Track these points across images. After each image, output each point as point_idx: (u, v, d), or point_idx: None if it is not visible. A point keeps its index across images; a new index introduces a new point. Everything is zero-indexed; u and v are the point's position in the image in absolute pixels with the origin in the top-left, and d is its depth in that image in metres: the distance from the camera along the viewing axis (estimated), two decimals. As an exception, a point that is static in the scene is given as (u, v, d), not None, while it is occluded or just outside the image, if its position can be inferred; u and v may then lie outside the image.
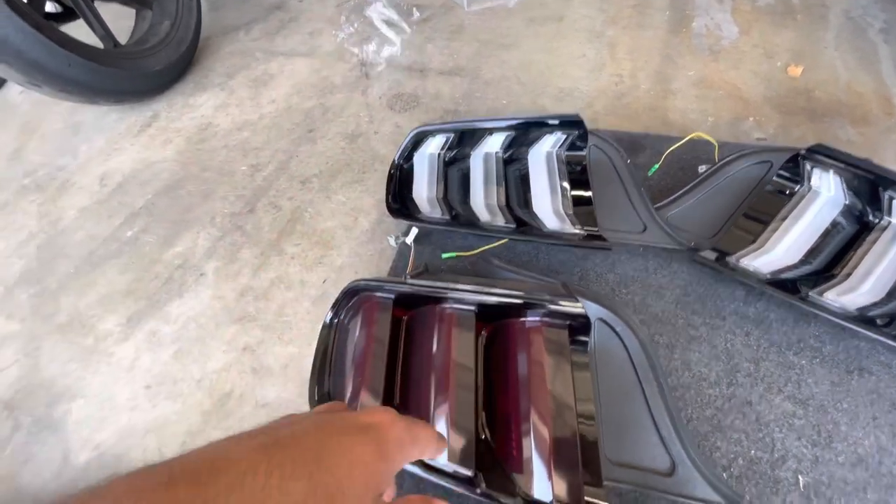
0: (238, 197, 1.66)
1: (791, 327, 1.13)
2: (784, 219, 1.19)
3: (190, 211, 1.65)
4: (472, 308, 0.98)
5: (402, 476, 0.97)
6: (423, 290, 1.01)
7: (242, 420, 1.13)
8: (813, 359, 1.08)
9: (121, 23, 2.17)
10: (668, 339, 1.14)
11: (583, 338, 0.92)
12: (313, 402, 0.97)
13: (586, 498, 0.78)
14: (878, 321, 1.03)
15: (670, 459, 0.89)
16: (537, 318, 0.94)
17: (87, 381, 1.25)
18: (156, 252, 1.53)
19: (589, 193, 1.26)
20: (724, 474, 0.94)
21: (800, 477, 0.93)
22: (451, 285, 0.99)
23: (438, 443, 0.49)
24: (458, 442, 0.87)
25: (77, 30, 1.91)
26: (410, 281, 1.02)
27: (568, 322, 0.91)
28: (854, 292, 1.07)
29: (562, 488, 0.79)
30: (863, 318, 1.03)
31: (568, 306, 0.90)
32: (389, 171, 1.45)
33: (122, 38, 2.10)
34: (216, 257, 1.49)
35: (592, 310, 0.98)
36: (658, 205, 1.31)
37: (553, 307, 0.91)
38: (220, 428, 1.12)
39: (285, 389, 1.17)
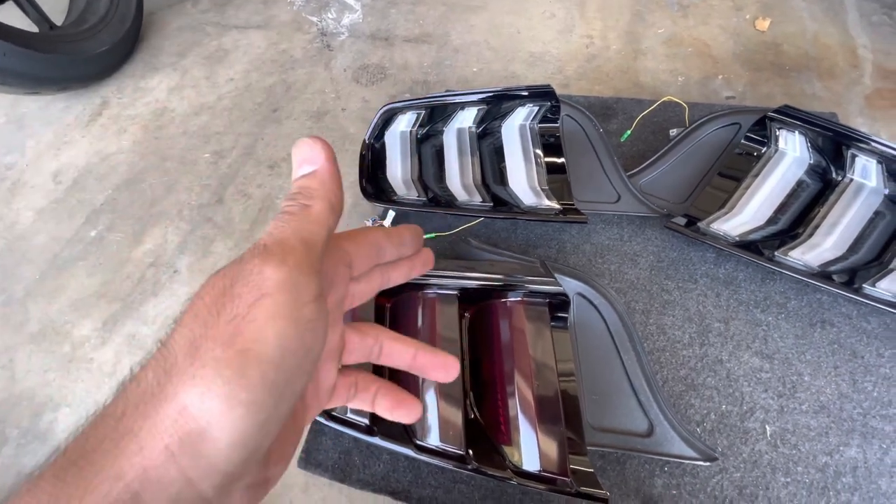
0: (204, 187, 1.60)
1: (758, 286, 1.18)
2: (752, 181, 1.22)
3: (154, 205, 1.58)
4: (454, 292, 0.98)
5: (396, 457, 1.01)
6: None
7: (234, 415, 1.14)
8: (778, 315, 1.14)
9: (54, 2, 1.99)
10: (643, 304, 1.18)
11: (562, 314, 0.94)
12: (303, 396, 0.98)
13: (571, 466, 0.82)
14: (840, 276, 1.08)
15: (648, 421, 0.94)
16: (518, 298, 0.95)
17: (69, 390, 1.23)
18: (124, 251, 1.48)
19: (564, 165, 1.26)
20: (698, 429, 1.01)
21: (767, 426, 1.00)
22: (432, 271, 0.99)
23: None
24: (448, 423, 0.90)
25: (7, 14, 1.75)
26: (390, 270, 1.02)
27: (548, 300, 0.93)
28: (817, 249, 1.12)
29: (548, 458, 0.84)
30: (825, 273, 1.08)
31: (546, 286, 0.91)
32: (361, 153, 1.41)
33: (58, 19, 1.94)
34: (188, 252, 1.44)
35: (571, 285, 1.00)
36: (631, 173, 1.32)
37: (532, 287, 0.93)
38: (213, 425, 1.13)
39: (274, 382, 1.18)
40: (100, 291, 1.40)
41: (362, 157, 1.39)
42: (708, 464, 0.91)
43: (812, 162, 1.23)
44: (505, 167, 1.30)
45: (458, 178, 1.32)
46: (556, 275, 0.96)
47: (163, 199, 1.59)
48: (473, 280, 0.96)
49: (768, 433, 0.99)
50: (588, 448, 0.89)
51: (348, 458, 1.03)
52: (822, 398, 1.02)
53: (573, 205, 1.18)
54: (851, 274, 1.09)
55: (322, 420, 0.97)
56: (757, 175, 1.22)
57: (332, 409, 0.98)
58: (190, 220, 1.53)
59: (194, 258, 1.43)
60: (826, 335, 1.10)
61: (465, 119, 1.39)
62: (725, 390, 1.05)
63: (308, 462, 1.03)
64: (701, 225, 1.17)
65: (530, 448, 0.85)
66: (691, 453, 0.91)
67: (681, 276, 1.22)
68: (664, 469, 0.96)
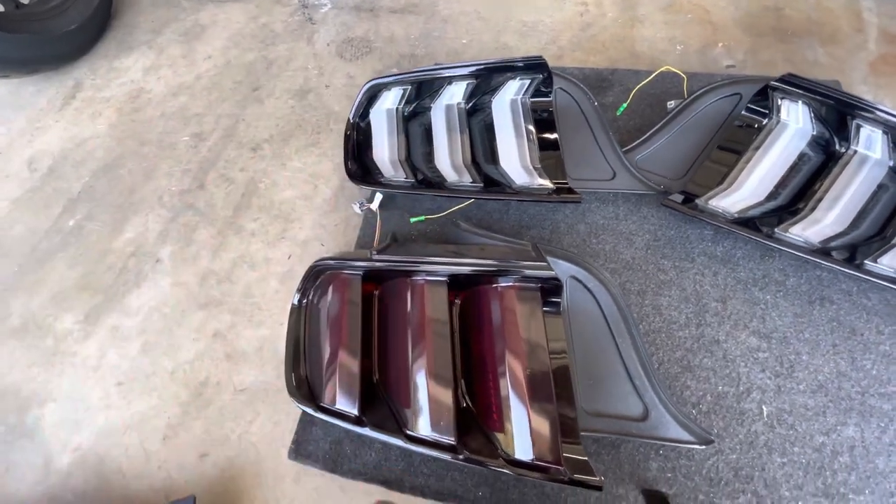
0: (184, 172, 1.54)
1: (757, 263, 1.15)
2: (752, 154, 1.17)
3: (134, 192, 1.52)
4: (444, 278, 0.95)
5: (388, 445, 0.99)
6: (391, 265, 0.97)
7: (223, 408, 1.12)
8: (777, 292, 1.11)
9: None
10: (638, 285, 1.15)
11: (555, 298, 0.91)
12: (292, 391, 0.96)
13: (564, 454, 0.80)
14: (840, 253, 1.05)
15: (643, 405, 0.92)
16: (509, 283, 0.92)
17: (54, 384, 1.21)
18: (104, 241, 1.43)
19: (557, 141, 1.20)
20: (694, 411, 0.99)
21: (763, 407, 0.98)
22: (420, 258, 0.95)
23: None
24: (439, 412, 0.87)
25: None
26: (377, 257, 0.98)
27: (540, 285, 0.90)
28: (819, 224, 1.08)
29: (541, 446, 0.82)
30: (825, 250, 1.05)
31: (538, 271, 0.88)
32: (346, 133, 1.34)
33: (20, -6, 1.82)
34: (170, 241, 1.40)
35: (564, 268, 0.97)
36: (627, 148, 1.27)
37: (524, 272, 0.89)
38: (201, 418, 1.11)
39: (263, 372, 1.16)
40: (81, 283, 1.36)
41: (347, 137, 1.33)
42: (704, 447, 0.89)
43: (815, 133, 1.18)
44: (496, 145, 1.25)
45: (448, 158, 1.27)
46: (548, 258, 0.92)
47: (142, 186, 1.54)
48: (463, 266, 0.92)
49: (765, 414, 0.98)
50: (582, 433, 0.87)
51: (339, 448, 1.01)
52: (820, 377, 1.00)
53: (566, 183, 1.14)
54: (852, 250, 1.06)
55: (310, 411, 0.94)
56: (758, 148, 1.17)
57: (321, 400, 0.96)
58: (171, 207, 1.47)
59: (177, 247, 1.38)
60: (825, 312, 1.07)
61: (454, 94, 1.32)
62: (722, 371, 1.03)
63: (298, 453, 1.02)
64: (699, 202, 1.13)
65: (523, 436, 0.83)
66: (687, 437, 0.89)
67: (677, 254, 1.19)
68: (659, 452, 0.95)
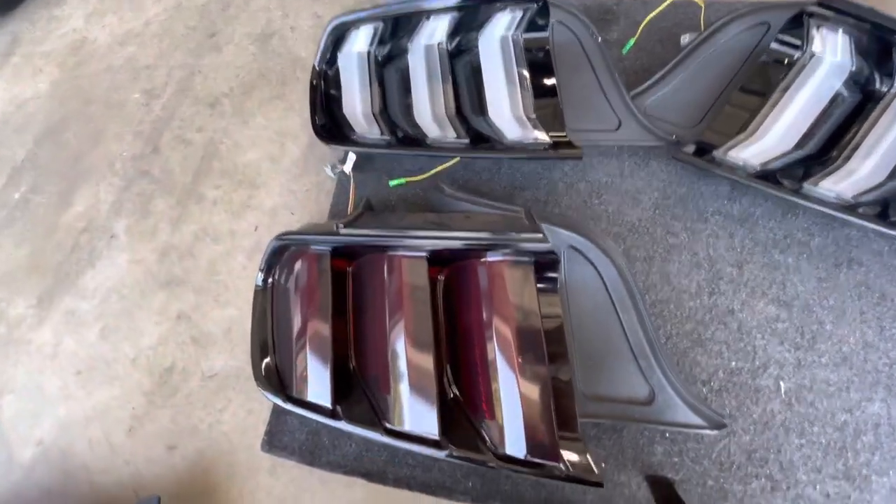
0: (136, 135, 1.37)
1: (778, 223, 1.02)
2: (780, 97, 1.01)
3: (81, 159, 1.36)
4: (424, 253, 0.82)
5: (368, 443, 0.91)
6: (360, 240, 0.84)
7: (191, 396, 1.03)
8: (800, 255, 0.99)
9: None
10: (645, 251, 1.03)
11: (551, 273, 0.79)
12: (261, 381, 0.86)
13: (562, 449, 0.72)
14: (871, 208, 0.92)
15: (649, 388, 0.83)
16: (499, 258, 0.79)
17: (9, 375, 1.11)
18: (52, 215, 1.29)
19: (554, 87, 1.04)
20: (704, 389, 0.90)
21: (781, 383, 0.89)
22: (394, 233, 0.83)
23: None
24: (421, 403, 0.78)
25: None
26: (344, 231, 0.85)
27: (534, 258, 0.77)
28: (853, 176, 0.94)
29: (536, 441, 0.73)
30: (856, 206, 0.92)
31: (532, 244, 0.75)
32: (311, 82, 1.17)
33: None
34: (125, 213, 1.26)
35: (562, 237, 0.84)
36: (634, 92, 1.10)
37: (515, 245, 0.76)
38: (168, 407, 1.02)
39: (232, 356, 1.06)
40: (30, 264, 1.24)
41: (313, 87, 1.16)
42: (716, 432, 0.81)
43: (853, 69, 1.02)
44: (484, 93, 1.08)
45: (429, 110, 1.10)
46: (544, 226, 0.79)
47: (90, 152, 1.37)
48: (444, 240, 0.80)
49: (783, 390, 0.89)
50: (581, 420, 0.78)
51: (316, 439, 0.93)
52: (845, 349, 0.90)
53: (565, 136, 0.98)
54: (884, 205, 0.93)
55: (280, 403, 0.85)
56: (787, 88, 1.01)
57: (292, 390, 0.87)
58: (123, 174, 1.32)
59: (132, 220, 1.25)
60: (853, 276, 0.96)
61: (434, 32, 1.13)
62: (736, 345, 0.93)
63: (272, 445, 0.94)
64: (717, 153, 0.99)
65: (515, 430, 0.74)
66: (698, 421, 0.80)
67: (689, 215, 1.06)
68: (665, 436, 0.87)
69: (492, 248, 0.79)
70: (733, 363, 0.92)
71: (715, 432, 0.82)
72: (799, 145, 0.99)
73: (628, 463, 0.86)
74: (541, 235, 0.75)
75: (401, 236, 0.81)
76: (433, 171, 1.12)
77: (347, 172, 1.13)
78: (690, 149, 1.02)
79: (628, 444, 0.87)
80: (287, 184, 1.23)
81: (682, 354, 0.93)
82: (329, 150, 1.23)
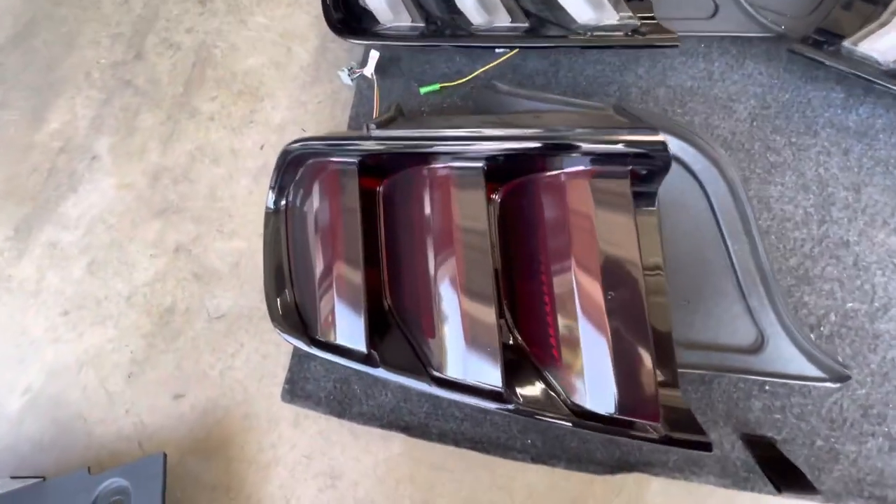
0: (114, 38, 1.15)
1: (907, 136, 0.83)
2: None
3: (54, 68, 1.15)
4: (479, 164, 0.64)
5: (407, 392, 0.78)
6: (398, 146, 0.66)
7: (196, 339, 0.89)
8: (934, 176, 0.80)
9: None
10: (740, 171, 0.84)
11: (651, 186, 0.61)
12: (278, 322, 0.71)
13: (664, 403, 0.57)
14: None
15: (758, 332, 0.67)
16: (582, 166, 0.61)
17: (-11, 314, 0.97)
18: (24, 134, 1.10)
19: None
20: (812, 335, 0.75)
21: (908, 328, 0.74)
22: (442, 132, 0.64)
23: None
24: (479, 350, 0.63)
25: None
26: (376, 133, 0.66)
27: (629, 167, 0.59)
28: None
29: (629, 395, 0.58)
30: None
31: (644, 137, 0.56)
32: (323, -37, 0.93)
33: None
34: (107, 130, 1.07)
35: (657, 143, 0.65)
36: (734, -30, 0.87)
37: (619, 145, 0.57)
38: (171, 350, 0.89)
39: (242, 294, 0.91)
40: (5, 190, 1.06)
41: (325, -33, 0.93)
42: (838, 385, 0.66)
43: None
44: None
45: (473, -9, 0.88)
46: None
47: (63, 60, 1.16)
48: (511, 140, 0.61)
49: (909, 337, 0.73)
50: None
51: (346, 388, 0.80)
52: None
53: (654, 17, 0.77)
54: None
55: (304, 347, 0.70)
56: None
57: (317, 332, 0.72)
58: (103, 85, 1.11)
59: (116, 138, 1.06)
60: None
61: None
62: (851, 283, 0.77)
63: (294, 394, 0.80)
64: (846, 44, 0.77)
65: (600, 380, 0.59)
66: (815, 372, 0.66)
67: (794, 127, 0.86)
68: (764, 389, 0.73)
69: (572, 149, 0.60)
70: (848, 304, 0.76)
71: (837, 385, 0.67)
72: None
73: (720, 420, 0.72)
74: (654, 128, 0.56)
75: (452, 136, 0.62)
76: (474, 74, 0.92)
77: (369, 76, 0.92)
78: (807, 41, 0.81)
79: (719, 398, 0.73)
80: (296, 94, 1.03)
81: (786, 294, 0.77)
82: (346, 52, 1.02)
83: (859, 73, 0.76)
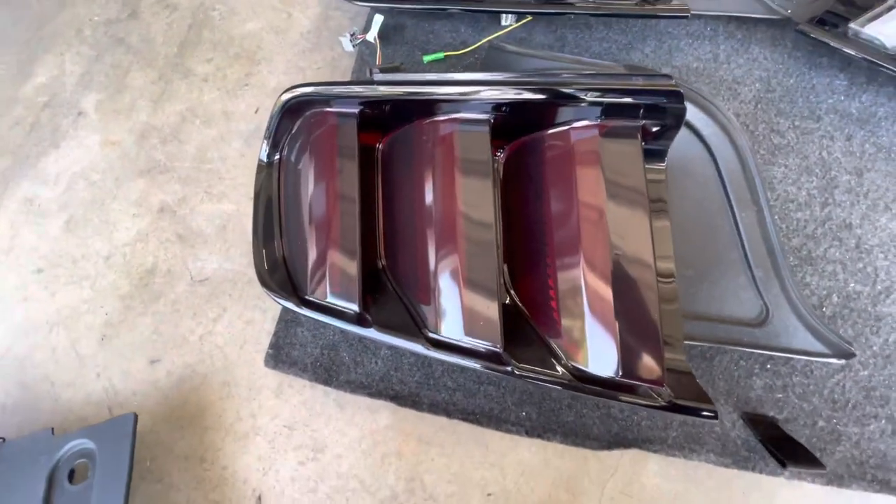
0: (109, -6, 1.12)
1: (909, 124, 0.83)
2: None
3: (45, 24, 1.11)
4: (485, 114, 0.62)
5: (398, 361, 0.74)
6: (402, 93, 0.63)
7: (177, 303, 0.84)
8: (936, 163, 0.80)
9: None
10: (744, 150, 0.83)
11: (655, 145, 0.59)
12: (265, 279, 0.68)
13: (668, 366, 0.55)
14: None
15: (762, 305, 0.65)
16: (591, 121, 0.59)
17: (-45, 270, 0.92)
18: (9, 87, 1.05)
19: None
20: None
21: (911, 311, 0.72)
22: (448, 76, 0.62)
23: None
24: (477, 310, 0.60)
25: None
26: (379, 77, 0.63)
27: (641, 120, 0.57)
28: None
29: (633, 358, 0.56)
30: None
31: (659, 82, 0.54)
32: (329, -74, 0.92)
33: None
34: (95, 87, 1.03)
35: (666, 106, 0.63)
36: (743, -48, 0.87)
37: (630, 97, 0.55)
38: (149, 314, 0.84)
39: (227, 258, 0.87)
40: (-19, 142, 1.02)
41: (332, -70, 0.91)
42: (842, 362, 0.64)
43: None
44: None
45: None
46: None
47: (55, 16, 1.12)
48: (521, 86, 0.58)
49: (913, 319, 0.72)
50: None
51: (333, 355, 0.76)
52: None
53: (665, -10, 0.76)
54: None
55: (293, 307, 0.67)
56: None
57: (306, 292, 0.68)
58: (94, 42, 1.07)
59: (104, 95, 1.02)
60: None
61: None
62: (854, 265, 0.76)
63: (278, 360, 0.76)
64: (853, 26, 0.77)
65: (603, 342, 0.56)
66: (819, 348, 0.64)
67: (798, 111, 0.86)
68: (766, 367, 0.71)
69: (579, 101, 0.58)
70: (851, 286, 0.75)
71: (841, 362, 0.65)
72: (958, 20, 0.78)
73: (720, 397, 0.70)
74: (667, 75, 0.54)
75: (462, 81, 0.60)
76: (480, 43, 0.90)
77: (372, 40, 0.90)
78: (813, 21, 0.81)
79: (720, 375, 0.71)
80: (294, 60, 1.00)
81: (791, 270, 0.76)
82: (348, 17, 1.00)
83: (864, 56, 0.76)
